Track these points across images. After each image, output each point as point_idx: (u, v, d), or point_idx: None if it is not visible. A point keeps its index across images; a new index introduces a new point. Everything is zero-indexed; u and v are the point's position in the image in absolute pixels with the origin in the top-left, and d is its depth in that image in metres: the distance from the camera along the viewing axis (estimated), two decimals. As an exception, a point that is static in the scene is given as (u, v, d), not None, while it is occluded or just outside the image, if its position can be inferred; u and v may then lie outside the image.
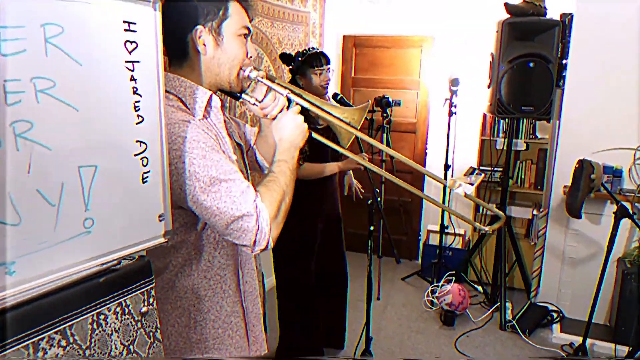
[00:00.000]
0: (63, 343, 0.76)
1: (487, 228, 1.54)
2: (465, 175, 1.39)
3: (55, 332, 0.75)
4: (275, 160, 1.35)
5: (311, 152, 2.39)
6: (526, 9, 3.42)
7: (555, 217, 3.63)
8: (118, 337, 0.85)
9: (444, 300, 3.60)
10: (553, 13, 3.55)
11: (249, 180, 1.50)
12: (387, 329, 3.47)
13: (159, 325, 0.92)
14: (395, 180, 1.52)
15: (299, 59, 2.66)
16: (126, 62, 0.94)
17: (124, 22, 0.92)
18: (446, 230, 4.25)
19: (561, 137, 3.56)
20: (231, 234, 1.19)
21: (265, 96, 1.41)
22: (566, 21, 3.54)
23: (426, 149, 4.60)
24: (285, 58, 2.69)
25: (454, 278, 3.89)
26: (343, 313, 3.07)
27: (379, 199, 2.80)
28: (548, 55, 3.39)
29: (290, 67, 2.68)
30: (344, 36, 4.74)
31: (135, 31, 0.95)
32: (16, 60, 0.75)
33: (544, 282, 3.74)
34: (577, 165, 2.77)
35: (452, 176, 4.13)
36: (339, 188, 2.94)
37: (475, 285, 4.08)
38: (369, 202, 2.77)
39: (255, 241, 1.19)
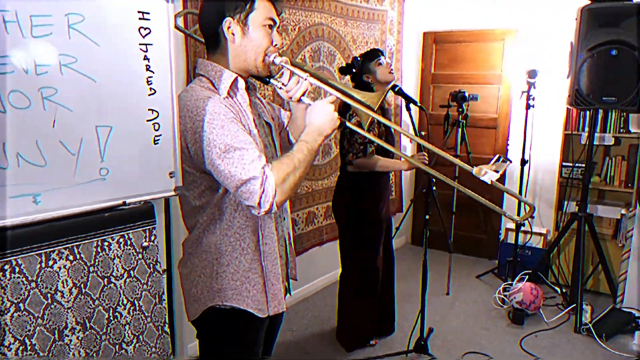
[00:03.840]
0: (70, 257, 0.98)
1: (517, 217, 1.56)
2: (492, 163, 1.42)
3: (64, 248, 0.98)
4: (299, 140, 1.51)
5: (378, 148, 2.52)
6: (609, -7, 3.23)
7: (644, 216, 3.36)
8: (120, 262, 1.06)
9: (515, 298, 3.49)
10: (642, -3, 3.30)
11: (277, 156, 1.69)
12: (451, 322, 3.45)
13: (159, 259, 1.12)
14: (442, 178, 1.59)
15: (357, 60, 2.79)
16: (140, 44, 1.16)
17: (138, 12, 1.14)
18: (523, 228, 4.09)
19: (650, 129, 3.30)
20: (241, 195, 1.38)
21: (289, 80, 1.57)
22: (659, 5, 3.28)
23: (507, 144, 4.46)
24: (344, 70, 2.80)
25: (527, 277, 3.74)
26: (392, 300, 3.12)
27: (434, 188, 2.83)
28: (633, 42, 3.16)
29: (352, 73, 2.78)
30: (424, 33, 4.76)
31: (148, 19, 1.17)
32: (44, 41, 1.00)
33: (629, 287, 3.47)
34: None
35: (528, 172, 3.97)
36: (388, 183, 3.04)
37: (554, 287, 3.89)
38: (424, 190, 2.82)
39: (259, 202, 1.36)
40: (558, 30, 3.88)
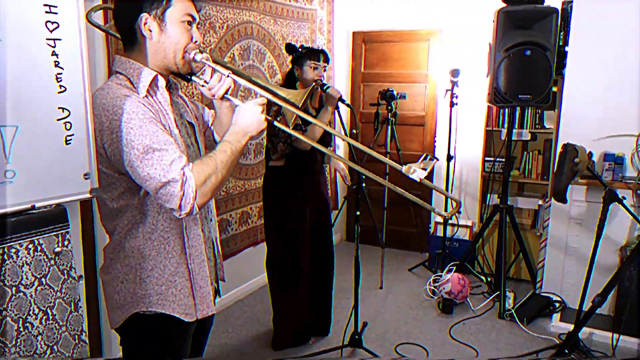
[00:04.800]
0: (-28, 267, 0.91)
1: (444, 213, 1.62)
2: (420, 161, 1.46)
3: (-36, 257, 0.91)
4: (222, 140, 1.48)
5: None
6: (523, -3, 3.42)
7: (558, 206, 3.59)
8: (30, 269, 1.00)
9: (444, 288, 3.63)
10: (554, 1, 3.53)
11: (201, 156, 1.66)
12: (384, 315, 3.53)
13: (74, 265, 1.06)
14: (371, 176, 1.61)
15: (300, 50, 2.80)
16: (47, 39, 1.09)
17: (44, 5, 1.08)
18: (450, 222, 4.26)
19: (562, 125, 3.53)
20: (161, 197, 1.34)
21: (211, 78, 1.54)
22: (568, 8, 3.52)
23: (435, 141, 4.62)
24: (289, 48, 2.83)
25: (455, 268, 3.90)
26: (329, 299, 3.15)
27: (363, 184, 2.88)
28: (545, 43, 3.37)
29: (292, 56, 2.83)
30: (354, 32, 4.84)
31: (56, 13, 1.10)
32: None
33: (547, 273, 3.71)
34: (561, 150, 2.76)
35: (454, 167, 4.14)
36: (328, 176, 3.06)
37: (480, 276, 4.08)
38: (354, 187, 2.86)
39: (180, 205, 1.33)
40: (478, 31, 4.07)
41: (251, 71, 3.58)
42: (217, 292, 1.71)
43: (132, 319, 1.49)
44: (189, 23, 1.48)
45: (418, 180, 1.47)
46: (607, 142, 3.38)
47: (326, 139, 2.88)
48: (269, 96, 1.55)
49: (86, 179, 1.17)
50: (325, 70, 2.80)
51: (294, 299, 2.93)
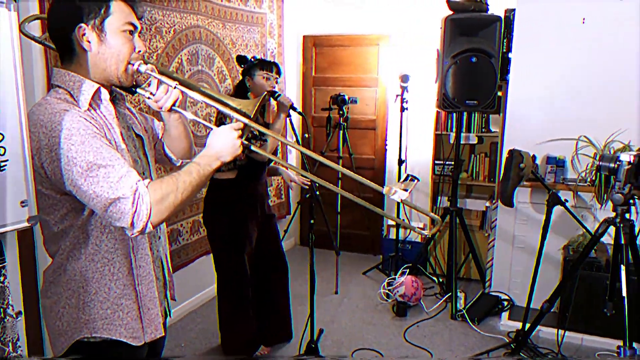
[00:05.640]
0: None
1: (426, 232, 1.61)
2: (401, 182, 1.46)
3: None
4: (192, 161, 1.42)
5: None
6: (468, 5, 3.51)
7: (505, 208, 3.69)
8: (-41, 308, 0.92)
9: (398, 291, 3.67)
10: (497, 9, 3.63)
11: (150, 170, 1.59)
12: (340, 321, 3.54)
13: (11, 302, 0.99)
14: (324, 184, 1.59)
15: (252, 60, 2.76)
16: (-25, 56, 1.01)
17: (-29, 20, 1.00)
18: (402, 224, 4.32)
19: (507, 129, 3.64)
20: (111, 216, 1.27)
21: (157, 89, 1.48)
22: (511, 16, 3.64)
23: (386, 145, 4.68)
24: (241, 59, 2.79)
25: (408, 270, 3.96)
26: (286, 307, 3.13)
27: (317, 192, 2.87)
28: (490, 50, 3.48)
29: (242, 67, 2.78)
30: (304, 36, 4.82)
31: (-15, 28, 1.02)
32: None
33: (496, 272, 3.82)
34: (507, 156, 2.85)
35: (405, 171, 4.21)
36: (274, 184, 3.03)
37: (432, 277, 4.16)
38: (307, 196, 2.85)
39: (132, 223, 1.26)
40: (426, 37, 4.15)
41: (200, 77, 3.50)
42: (167, 313, 1.64)
43: (76, 346, 1.41)
44: (131, 32, 1.41)
45: (399, 200, 1.47)
46: (549, 145, 3.51)
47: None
48: (220, 107, 1.51)
49: (23, 206, 1.10)
50: (277, 82, 2.79)
51: (240, 310, 2.87)
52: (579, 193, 3.46)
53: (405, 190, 1.45)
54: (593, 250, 3.30)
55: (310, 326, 2.96)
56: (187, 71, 3.35)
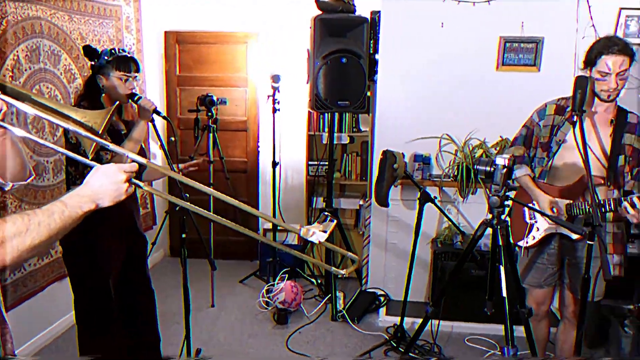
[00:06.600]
0: None
1: (343, 271, 1.51)
2: (319, 222, 1.35)
3: None
4: (59, 199, 1.17)
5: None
6: (336, 5, 3.50)
7: (377, 206, 3.79)
8: None
9: (277, 298, 3.57)
10: (364, 10, 3.67)
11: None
12: (218, 336, 3.34)
13: None
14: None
15: (105, 57, 2.38)
16: None
17: None
18: (279, 227, 4.23)
19: (377, 128, 3.72)
20: None
21: None
22: (376, 18, 3.71)
23: (258, 147, 4.54)
24: (89, 52, 2.38)
25: (287, 275, 3.89)
26: (154, 332, 2.82)
27: (186, 195, 2.62)
28: (359, 51, 3.50)
29: (93, 63, 2.39)
30: (166, 32, 4.48)
31: None
32: None
33: (372, 269, 3.90)
34: (381, 156, 2.89)
35: (280, 173, 4.12)
36: (137, 203, 2.72)
37: (311, 279, 4.13)
38: (177, 209, 2.60)
39: None
40: (297, 36, 4.07)
41: (43, 76, 3.04)
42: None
43: None
44: None
45: (317, 242, 1.38)
46: (416, 143, 3.66)
47: (141, 152, 2.55)
48: (59, 121, 1.26)
49: None
50: (136, 80, 2.46)
51: (105, 340, 2.53)
52: (443, 188, 3.66)
53: (324, 232, 1.38)
54: (459, 242, 3.52)
55: (187, 348, 2.72)
56: (25, 70, 2.89)
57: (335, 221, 1.43)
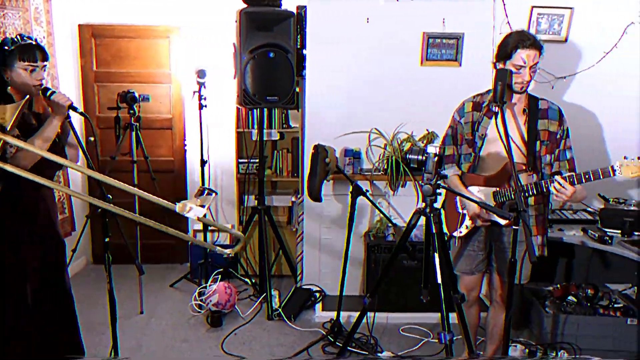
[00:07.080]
0: None
1: (228, 251, 1.45)
2: (195, 196, 1.26)
3: None
4: None
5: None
6: (262, -2, 3.44)
7: (310, 202, 3.76)
8: None
9: (211, 300, 3.46)
10: (290, 4, 3.63)
11: None
12: (148, 344, 3.17)
13: None
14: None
15: (6, 47, 2.17)
16: None
17: None
18: (210, 228, 4.11)
19: (306, 124, 3.70)
20: None
21: None
22: (302, 13, 3.68)
23: (185, 145, 4.38)
24: None
25: (220, 276, 3.78)
26: (76, 343, 2.63)
27: (109, 196, 2.46)
28: (286, 46, 3.46)
29: None
30: (80, 25, 4.20)
31: None
32: None
33: (306, 266, 3.88)
34: (312, 151, 2.87)
35: (209, 172, 4.00)
36: (56, 205, 2.52)
37: (245, 279, 4.04)
38: (99, 211, 2.43)
39: None
40: (221, 30, 3.96)
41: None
42: None
43: None
44: None
45: (196, 218, 1.29)
46: (346, 138, 3.67)
47: (57, 148, 2.36)
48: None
49: None
50: (45, 70, 2.26)
51: (17, 350, 2.33)
52: (374, 182, 3.70)
53: (202, 206, 1.29)
54: (391, 235, 3.58)
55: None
56: None
57: (214, 194, 1.37)
